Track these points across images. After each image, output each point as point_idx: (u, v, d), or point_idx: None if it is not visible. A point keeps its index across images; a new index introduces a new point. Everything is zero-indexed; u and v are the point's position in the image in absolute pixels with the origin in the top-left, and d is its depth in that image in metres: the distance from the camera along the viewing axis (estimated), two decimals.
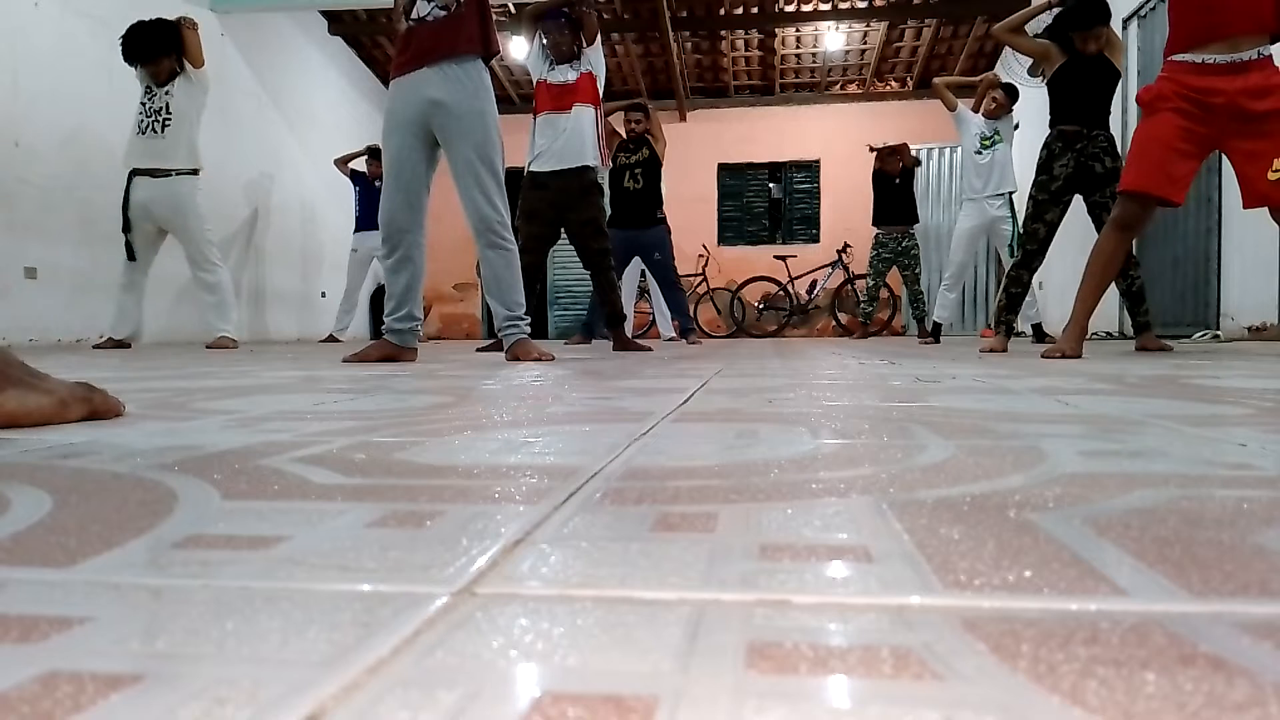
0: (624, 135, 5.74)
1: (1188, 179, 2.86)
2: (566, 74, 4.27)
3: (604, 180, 4.64)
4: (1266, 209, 2.82)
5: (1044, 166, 3.80)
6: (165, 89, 4.66)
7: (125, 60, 4.67)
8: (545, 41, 4.29)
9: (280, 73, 8.12)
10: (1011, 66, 7.65)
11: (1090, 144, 3.75)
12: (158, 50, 4.63)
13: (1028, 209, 3.83)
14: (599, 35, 4.34)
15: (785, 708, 0.26)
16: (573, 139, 4.26)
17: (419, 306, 2.98)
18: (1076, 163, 3.74)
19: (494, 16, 2.94)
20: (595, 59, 4.32)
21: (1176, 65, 2.84)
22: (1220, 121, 2.79)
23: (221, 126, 6.64)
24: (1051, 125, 3.85)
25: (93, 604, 0.36)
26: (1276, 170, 2.70)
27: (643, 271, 6.08)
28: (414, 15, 2.83)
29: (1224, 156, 2.97)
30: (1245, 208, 2.88)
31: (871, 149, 6.69)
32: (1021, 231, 3.93)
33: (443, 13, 2.80)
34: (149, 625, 0.33)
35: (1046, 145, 3.81)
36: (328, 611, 0.35)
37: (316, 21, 8.83)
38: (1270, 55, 2.80)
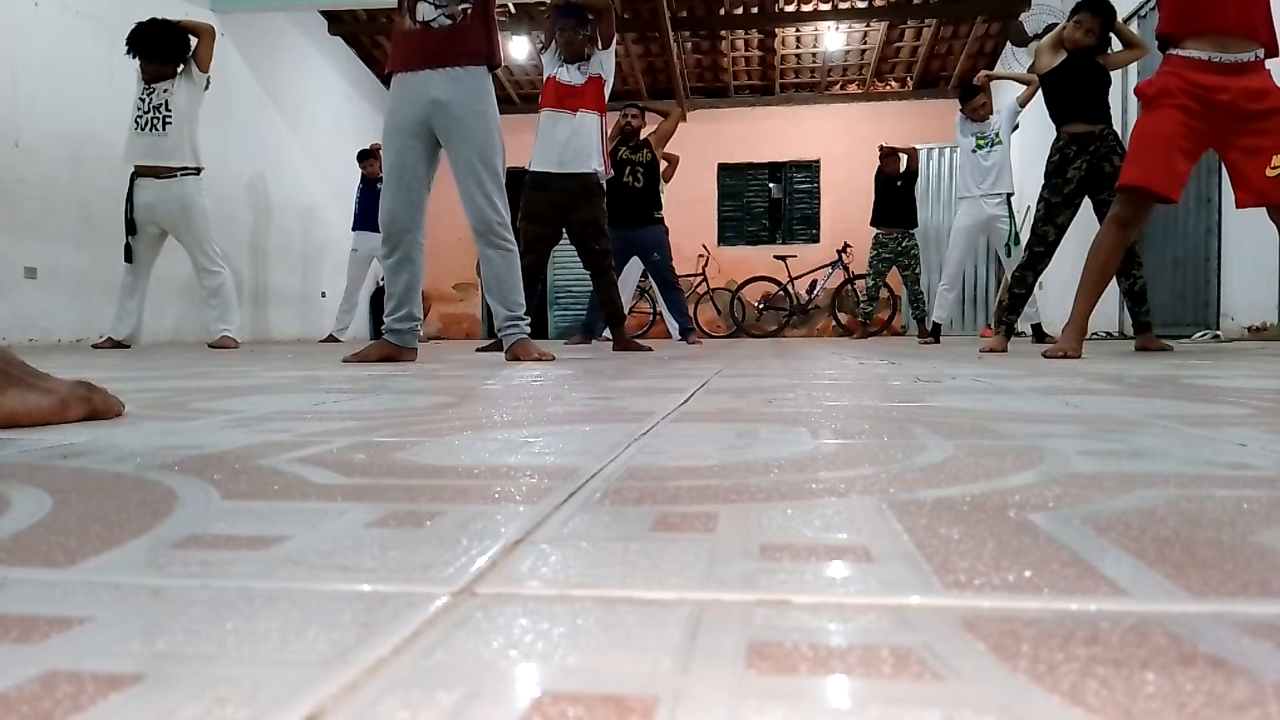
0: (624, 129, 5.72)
1: (1185, 177, 2.86)
2: (574, 75, 4.25)
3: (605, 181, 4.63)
4: (1265, 210, 2.82)
5: (1057, 170, 3.76)
6: (164, 86, 4.65)
7: (128, 49, 4.65)
8: (559, 38, 4.27)
9: (280, 73, 8.12)
10: (1011, 64, 7.67)
11: (1101, 144, 3.74)
12: (163, 56, 4.62)
13: (1038, 211, 3.80)
14: (615, 39, 4.30)
15: (785, 708, 0.26)
16: (575, 142, 4.25)
17: (419, 306, 2.98)
18: (1089, 164, 3.73)
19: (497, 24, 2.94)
20: (606, 62, 4.28)
21: (1181, 60, 2.83)
22: (1220, 120, 2.79)
23: (221, 126, 6.63)
24: (1057, 126, 3.83)
25: (93, 604, 0.36)
26: (1275, 167, 2.70)
27: (644, 272, 6.09)
28: (418, 18, 2.82)
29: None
30: (1239, 207, 2.88)
31: (881, 149, 6.70)
32: (1028, 233, 3.91)
33: (448, 22, 2.79)
34: (149, 625, 0.33)
35: (1059, 150, 3.77)
36: (328, 611, 0.35)
37: (316, 21, 8.83)
38: (1263, 60, 2.80)
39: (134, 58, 4.65)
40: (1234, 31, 2.76)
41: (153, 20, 4.64)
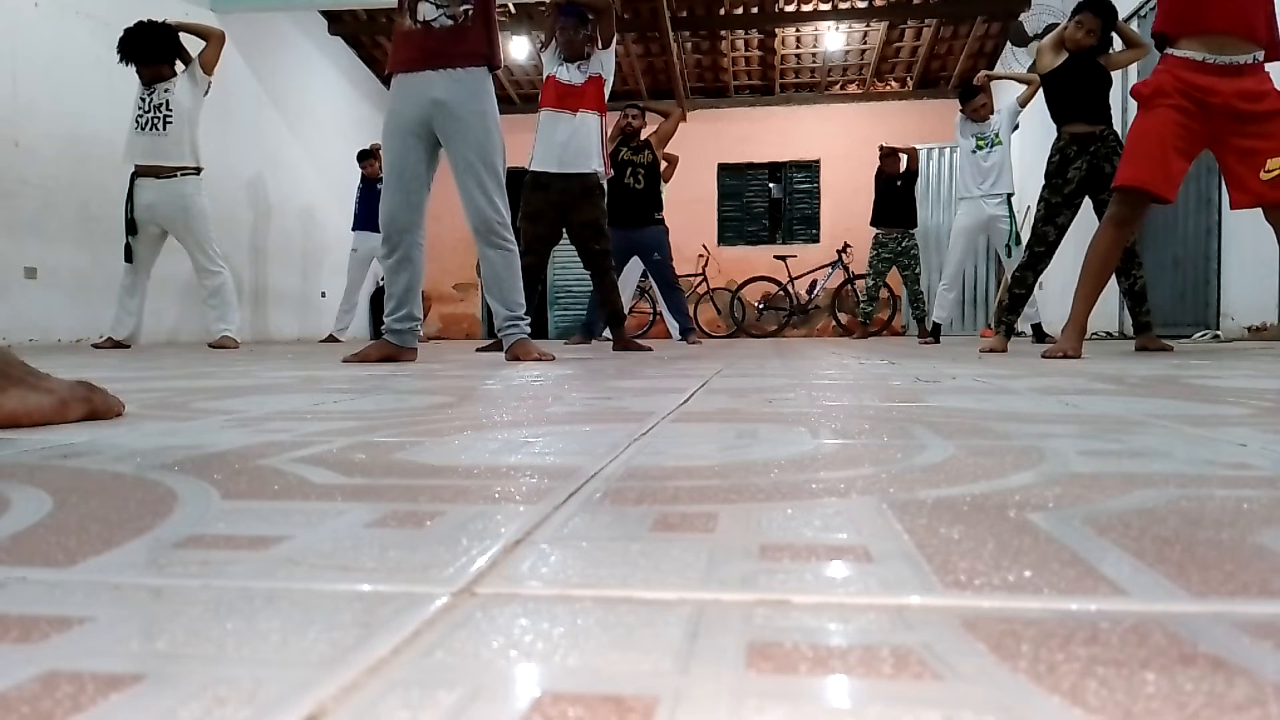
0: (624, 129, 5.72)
1: (1181, 177, 2.86)
2: (574, 74, 4.24)
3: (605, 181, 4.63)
4: (1261, 211, 2.82)
5: (1058, 170, 3.75)
6: (165, 85, 4.64)
7: (120, 56, 4.64)
8: (559, 37, 4.26)
9: (280, 73, 8.12)
10: (1011, 64, 7.67)
11: (1102, 144, 3.74)
12: (154, 58, 4.61)
13: (1039, 211, 3.80)
14: (615, 38, 4.30)
15: (785, 708, 0.26)
16: (575, 142, 4.24)
17: (419, 306, 2.98)
18: (1089, 165, 3.72)
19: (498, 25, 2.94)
20: (607, 62, 4.28)
21: (1177, 61, 2.83)
22: (1216, 121, 2.79)
23: (221, 126, 6.63)
24: (1058, 126, 3.83)
25: (93, 604, 0.36)
26: (1269, 170, 2.70)
27: (644, 272, 6.09)
28: (419, 17, 2.82)
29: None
30: (1233, 208, 2.87)
31: (882, 149, 6.71)
32: (1029, 233, 3.91)
33: (449, 22, 2.80)
34: (149, 625, 0.33)
35: (1059, 150, 3.76)
36: (328, 611, 0.35)
37: (316, 21, 8.83)
38: (1262, 62, 2.80)
39: (127, 64, 4.64)
40: (1231, 32, 2.76)
41: (139, 24, 4.63)
